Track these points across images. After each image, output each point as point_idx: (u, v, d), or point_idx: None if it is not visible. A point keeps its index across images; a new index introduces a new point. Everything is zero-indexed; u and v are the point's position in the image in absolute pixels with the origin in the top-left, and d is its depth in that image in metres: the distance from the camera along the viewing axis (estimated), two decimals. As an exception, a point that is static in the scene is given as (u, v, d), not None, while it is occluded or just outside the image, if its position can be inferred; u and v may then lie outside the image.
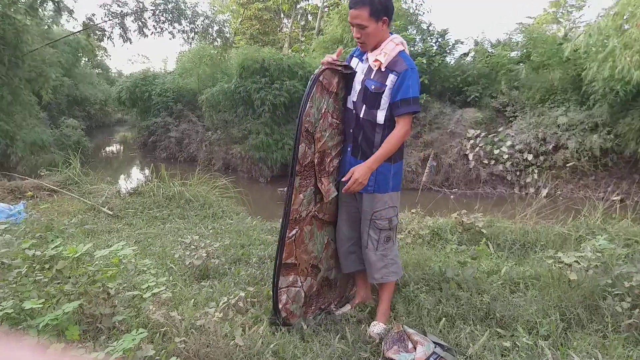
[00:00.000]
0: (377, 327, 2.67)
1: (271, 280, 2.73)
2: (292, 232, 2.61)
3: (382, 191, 2.64)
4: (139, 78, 17.02)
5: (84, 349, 1.77)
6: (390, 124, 2.58)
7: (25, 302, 1.83)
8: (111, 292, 2.09)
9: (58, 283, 2.08)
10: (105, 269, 2.13)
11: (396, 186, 2.71)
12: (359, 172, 2.48)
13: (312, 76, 2.57)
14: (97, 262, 2.20)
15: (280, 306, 2.62)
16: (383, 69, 2.52)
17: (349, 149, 2.74)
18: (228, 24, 19.80)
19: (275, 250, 2.70)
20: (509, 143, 9.47)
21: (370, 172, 2.51)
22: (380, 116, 2.57)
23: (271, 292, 2.69)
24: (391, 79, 2.50)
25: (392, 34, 2.61)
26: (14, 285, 2.01)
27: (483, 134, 9.91)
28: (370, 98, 2.57)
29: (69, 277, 2.07)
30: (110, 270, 2.13)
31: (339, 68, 2.64)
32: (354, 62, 2.75)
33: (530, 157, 9.21)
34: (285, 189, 2.62)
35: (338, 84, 2.70)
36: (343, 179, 2.55)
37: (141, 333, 1.74)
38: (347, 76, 2.72)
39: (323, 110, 2.63)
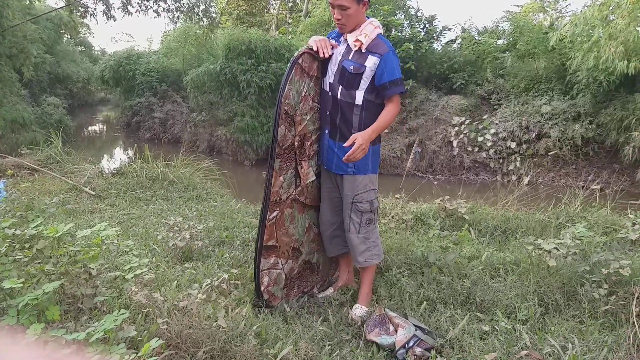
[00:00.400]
0: (359, 310, 2.70)
1: (253, 262, 2.74)
2: (272, 214, 2.62)
3: (362, 172, 2.66)
4: (123, 57, 16.75)
5: (65, 329, 1.76)
6: (368, 104, 2.58)
7: (5, 281, 1.81)
8: (93, 272, 2.08)
9: (39, 263, 2.05)
10: (87, 249, 2.11)
11: (375, 168, 2.74)
12: (362, 137, 2.41)
13: (291, 59, 2.57)
14: (78, 243, 2.17)
15: (262, 288, 2.64)
16: (363, 50, 2.53)
17: (326, 131, 2.74)
18: (214, 4, 19.49)
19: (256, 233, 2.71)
20: (492, 131, 9.55)
21: (370, 139, 2.48)
22: (359, 97, 2.57)
23: (253, 274, 2.70)
24: (373, 60, 2.51)
25: (368, 17, 2.63)
26: (-6, 265, 1.99)
27: (468, 121, 9.97)
28: (349, 79, 2.57)
29: (50, 257, 2.05)
30: (92, 251, 2.11)
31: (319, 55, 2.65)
32: None
33: (513, 145, 9.30)
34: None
35: (318, 68, 2.71)
36: (345, 145, 2.44)
37: (123, 314, 1.74)
38: (327, 60, 2.72)
39: (303, 94, 2.63)
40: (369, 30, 2.55)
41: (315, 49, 2.62)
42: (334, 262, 3.16)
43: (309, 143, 2.75)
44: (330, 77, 2.66)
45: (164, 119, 14.64)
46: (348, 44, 2.60)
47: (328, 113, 2.70)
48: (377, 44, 2.53)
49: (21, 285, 1.80)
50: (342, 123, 2.64)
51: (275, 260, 2.73)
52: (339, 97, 2.62)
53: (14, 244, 2.07)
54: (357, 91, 2.57)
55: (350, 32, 2.58)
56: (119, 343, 1.66)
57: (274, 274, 2.72)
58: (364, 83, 2.55)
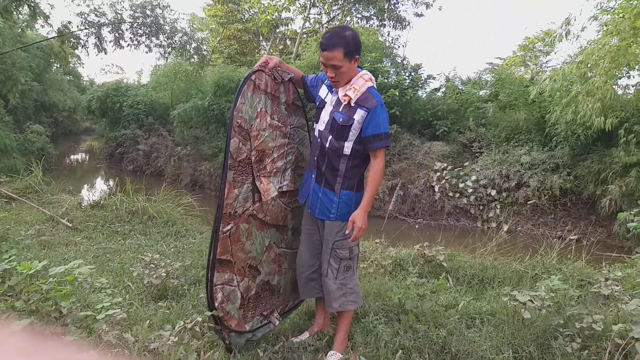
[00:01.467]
0: (333, 357, 2.67)
1: (205, 275, 2.67)
2: (226, 227, 2.59)
3: (344, 219, 2.65)
4: (112, 88, 16.81)
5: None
6: (356, 154, 2.63)
7: (-28, 317, 1.77)
8: (63, 311, 2.03)
9: (9, 296, 2.01)
10: (59, 288, 2.08)
11: None
12: (359, 219, 2.52)
13: (245, 74, 2.70)
14: (51, 279, 2.14)
15: (216, 304, 2.56)
16: (352, 104, 2.57)
17: (313, 176, 2.78)
18: (206, 42, 19.86)
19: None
20: (473, 178, 9.70)
21: (366, 214, 2.56)
22: (347, 147, 2.61)
23: (206, 289, 2.62)
24: (360, 114, 2.55)
25: (360, 68, 2.67)
26: (-39, 299, 1.94)
27: (449, 167, 10.13)
28: (338, 130, 2.61)
29: (21, 293, 2.01)
30: (64, 289, 2.07)
31: (271, 75, 2.76)
32: (324, 91, 2.78)
33: (493, 192, 9.45)
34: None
35: (275, 87, 2.80)
36: (347, 232, 2.57)
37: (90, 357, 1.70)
38: (289, 84, 2.87)
39: (259, 109, 2.70)
40: (359, 84, 2.58)
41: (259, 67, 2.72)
42: (296, 287, 3.05)
43: (269, 160, 2.79)
44: (321, 125, 2.71)
45: (148, 152, 14.60)
46: (339, 97, 2.65)
47: (315, 158, 2.75)
48: (366, 97, 2.56)
49: (-12, 321, 1.76)
50: (328, 170, 2.68)
51: (230, 276, 2.65)
52: (327, 145, 2.65)
53: (-15, 278, 2.03)
54: (346, 142, 2.61)
55: (343, 85, 2.63)
56: (85, 386, 1.61)
57: (227, 290, 2.64)
58: (353, 135, 2.59)
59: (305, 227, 2.90)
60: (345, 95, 2.58)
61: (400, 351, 2.76)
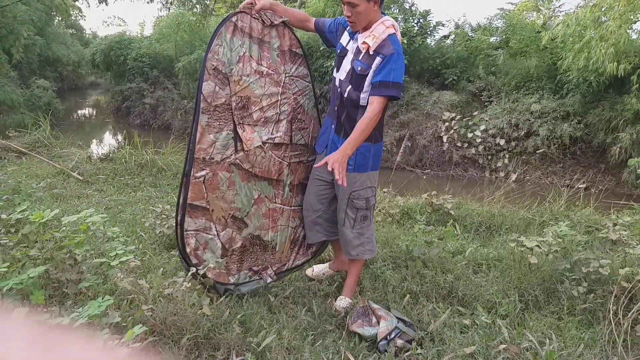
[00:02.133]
0: (343, 302, 2.74)
1: (175, 219, 2.64)
2: (200, 172, 2.53)
3: (361, 171, 2.64)
4: (115, 41, 16.53)
5: (49, 313, 1.77)
6: None
7: (-10, 265, 1.81)
8: (78, 258, 2.08)
9: (24, 247, 2.06)
10: (72, 235, 2.12)
11: (375, 166, 2.72)
12: (333, 158, 2.29)
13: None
14: (64, 228, 2.18)
15: (188, 250, 2.54)
16: (371, 52, 2.46)
17: (332, 126, 2.73)
18: (208, -9, 19.32)
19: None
20: (482, 127, 9.61)
21: (346, 156, 2.36)
22: (364, 98, 2.53)
23: (175, 233, 2.60)
24: (377, 61, 2.44)
25: (384, 14, 2.54)
26: (-22, 248, 1.99)
27: (458, 117, 10.02)
28: (356, 79, 2.53)
29: (35, 242, 2.06)
30: (77, 237, 2.11)
31: (259, 17, 2.64)
32: (345, 38, 2.67)
33: (502, 142, 9.37)
34: None
35: (265, 32, 2.67)
36: (316, 166, 2.46)
37: (107, 300, 1.75)
38: (284, 29, 2.73)
39: (242, 54, 2.60)
40: (379, 31, 2.46)
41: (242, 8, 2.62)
42: (298, 246, 3.01)
43: (256, 108, 2.68)
44: (342, 74, 2.63)
45: (154, 105, 14.51)
46: (358, 45, 2.55)
47: (336, 108, 2.70)
48: (384, 44, 2.44)
49: (6, 269, 1.81)
50: (347, 121, 2.64)
51: (206, 224, 2.60)
52: (345, 95, 2.60)
53: (0, 228, 2.07)
54: (362, 93, 2.53)
55: (363, 30, 2.52)
56: (103, 329, 1.67)
57: (203, 238, 2.59)
58: (367, 85, 2.50)
59: (316, 173, 2.83)
60: (364, 43, 2.47)
61: (408, 295, 2.82)
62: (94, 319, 1.73)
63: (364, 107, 2.51)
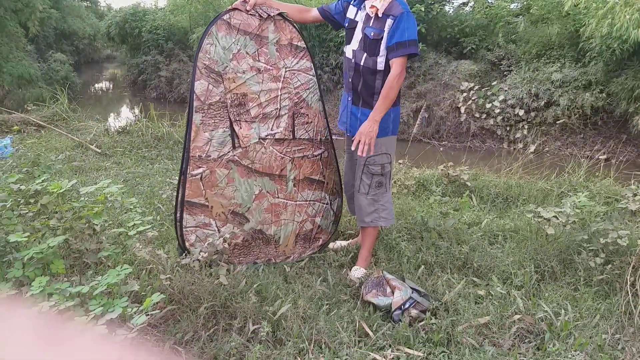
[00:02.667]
0: (357, 272, 2.76)
1: (174, 216, 2.71)
2: (197, 170, 2.59)
3: (383, 135, 2.66)
4: (129, 13, 16.48)
5: (69, 282, 1.81)
6: (388, 70, 2.57)
7: (11, 235, 1.85)
8: (97, 228, 2.12)
9: (44, 218, 2.10)
10: (91, 206, 2.15)
11: (395, 130, 2.75)
12: (363, 131, 2.49)
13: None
14: (82, 199, 2.21)
15: (187, 245, 2.61)
16: (380, 15, 2.50)
17: (349, 99, 2.77)
18: (222, -40, 19.01)
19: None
20: (501, 97, 9.43)
21: (376, 124, 2.50)
22: (380, 62, 2.57)
23: (175, 230, 2.68)
24: (388, 23, 2.48)
25: None
26: None
27: (476, 87, 9.84)
28: (370, 45, 2.56)
29: (55, 212, 2.09)
30: (95, 207, 2.15)
31: (255, 13, 2.62)
32: (352, 11, 2.71)
33: (521, 112, 9.20)
34: None
35: (262, 27, 2.65)
36: (352, 147, 2.56)
37: (126, 269, 1.79)
38: (283, 22, 2.70)
39: (235, 51, 2.60)
40: None
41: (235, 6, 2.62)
42: (302, 240, 3.00)
43: (254, 104, 2.68)
44: (354, 44, 2.66)
45: (170, 78, 14.52)
46: (367, 12, 2.59)
47: (350, 80, 2.72)
48: (392, 6, 2.49)
49: (26, 239, 1.85)
50: (364, 89, 2.66)
51: (205, 220, 2.67)
52: (361, 63, 2.62)
53: (20, 199, 2.11)
54: (378, 57, 2.56)
55: None
56: (122, 297, 1.71)
57: (204, 234, 2.66)
58: (383, 48, 2.54)
59: (348, 147, 2.98)
60: (372, 6, 2.51)
61: (423, 266, 2.83)
62: (114, 288, 1.77)
63: (382, 72, 2.58)
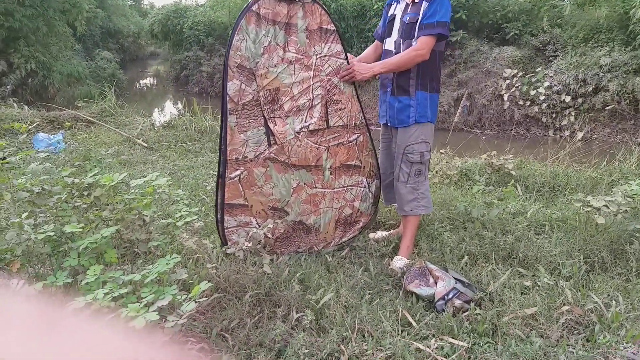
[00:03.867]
0: (399, 262, 2.75)
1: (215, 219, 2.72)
2: (234, 172, 2.55)
3: (422, 120, 2.71)
4: (171, 10, 16.84)
5: (122, 270, 1.89)
6: None
7: (66, 226, 1.95)
8: (146, 219, 2.20)
9: (96, 209, 2.19)
10: (140, 197, 2.24)
11: (433, 117, 2.76)
12: (359, 66, 2.64)
13: (245, 6, 2.46)
14: (132, 191, 2.30)
15: (229, 244, 2.61)
16: (417, 0, 2.57)
17: (388, 89, 2.80)
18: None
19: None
20: (546, 84, 9.14)
21: (370, 72, 2.62)
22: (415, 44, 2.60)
23: (217, 232, 2.68)
24: (424, 7, 2.55)
25: None
26: (55, 211, 2.14)
27: (520, 74, 9.56)
28: (406, 30, 2.62)
29: (107, 204, 2.18)
30: (145, 199, 2.23)
31: None
32: (392, 8, 2.78)
33: (568, 99, 8.89)
34: None
35: (291, 13, 2.52)
36: (341, 73, 2.67)
37: (175, 258, 1.85)
38: (312, 5, 2.57)
39: (267, 44, 2.49)
40: None
41: None
42: (342, 224, 2.96)
43: (287, 98, 2.59)
44: (394, 35, 2.71)
45: (211, 73, 14.76)
46: (406, 1, 2.66)
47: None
48: None
49: (81, 229, 1.94)
50: (401, 77, 2.70)
51: (246, 219, 2.66)
52: (402, 50, 2.66)
53: (74, 192, 2.21)
54: (413, 40, 2.59)
55: None
56: (172, 284, 1.77)
57: (245, 233, 2.64)
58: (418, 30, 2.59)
59: (383, 135, 3.03)
60: None
61: (466, 257, 2.79)
62: (163, 276, 1.83)
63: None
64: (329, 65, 2.67)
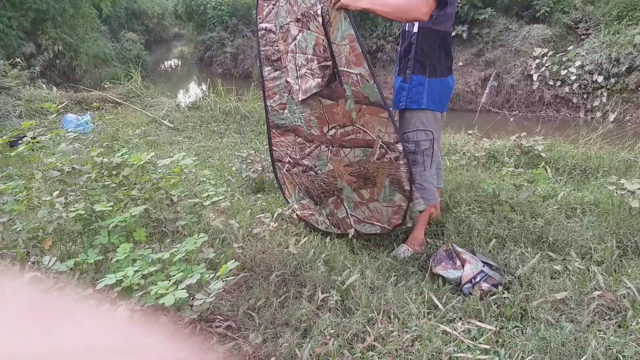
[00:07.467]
0: (402, 250, 2.71)
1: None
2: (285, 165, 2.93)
3: (413, 106, 2.56)
4: (194, -10, 16.81)
5: (151, 249, 1.91)
6: (424, 32, 2.48)
7: (96, 205, 1.97)
8: (174, 199, 2.22)
9: (125, 189, 2.21)
10: (168, 177, 2.25)
11: (431, 104, 2.55)
12: None
13: None
14: (160, 171, 2.32)
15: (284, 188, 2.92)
16: None
17: (397, 67, 2.74)
18: None
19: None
20: (578, 63, 8.87)
21: (355, 3, 2.26)
22: (415, 25, 2.51)
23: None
24: None
25: None
26: (85, 190, 2.17)
27: (550, 53, 9.29)
28: None
29: (135, 184, 2.20)
30: (172, 179, 2.24)
31: None
32: None
33: (600, 79, 8.62)
34: None
35: None
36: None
37: (202, 237, 1.86)
38: None
39: (286, 22, 2.52)
40: None
41: None
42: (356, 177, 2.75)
43: (303, 58, 2.54)
44: (414, 27, 2.59)
45: (234, 54, 14.74)
46: None
47: (400, 56, 2.69)
48: None
49: (110, 208, 1.96)
50: (404, 58, 2.61)
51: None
52: (407, 29, 2.59)
53: (103, 171, 2.23)
54: None
55: None
56: (199, 263, 1.78)
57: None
58: None
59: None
60: None
61: (494, 240, 2.75)
62: (191, 255, 1.85)
63: (415, 34, 2.50)
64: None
